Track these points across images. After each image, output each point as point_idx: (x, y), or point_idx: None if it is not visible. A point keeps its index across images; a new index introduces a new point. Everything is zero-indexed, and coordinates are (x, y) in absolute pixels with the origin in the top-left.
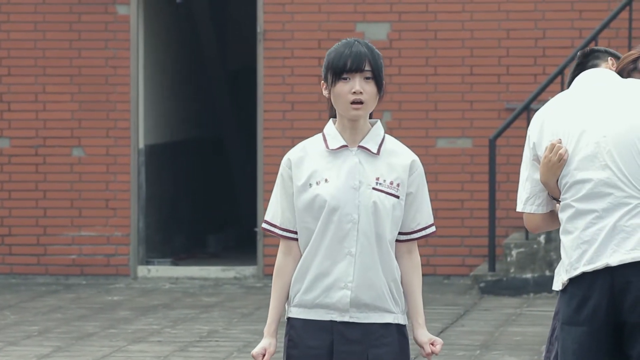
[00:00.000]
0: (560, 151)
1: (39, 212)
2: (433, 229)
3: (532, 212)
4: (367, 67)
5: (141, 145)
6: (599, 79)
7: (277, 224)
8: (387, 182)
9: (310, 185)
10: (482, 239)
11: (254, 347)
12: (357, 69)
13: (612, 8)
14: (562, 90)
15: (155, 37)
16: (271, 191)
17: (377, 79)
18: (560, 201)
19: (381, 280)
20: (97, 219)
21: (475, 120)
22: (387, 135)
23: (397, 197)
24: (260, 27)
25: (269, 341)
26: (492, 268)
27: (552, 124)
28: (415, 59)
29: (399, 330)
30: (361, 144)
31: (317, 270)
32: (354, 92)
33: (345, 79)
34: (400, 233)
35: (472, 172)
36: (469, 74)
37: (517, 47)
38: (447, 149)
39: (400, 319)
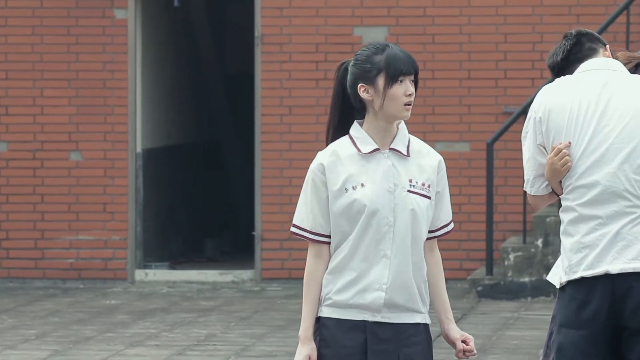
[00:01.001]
0: (565, 157)
1: (36, 216)
2: (452, 225)
3: (533, 194)
4: (413, 71)
5: (139, 149)
6: (612, 77)
7: (308, 229)
8: (419, 183)
9: (346, 190)
10: (479, 243)
11: (252, 350)
12: (410, 72)
13: (609, 12)
14: None
15: (152, 41)
16: (269, 195)
17: (416, 82)
18: (561, 198)
19: (413, 282)
20: (94, 222)
21: (473, 124)
22: (410, 135)
23: (429, 197)
24: (258, 31)
25: (310, 347)
26: (489, 272)
27: (561, 116)
28: None
29: (426, 330)
30: (392, 146)
31: (353, 272)
32: (409, 95)
33: (401, 81)
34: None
35: (470, 176)
36: (466, 78)
37: (515, 51)
38: (445, 152)
39: (427, 319)
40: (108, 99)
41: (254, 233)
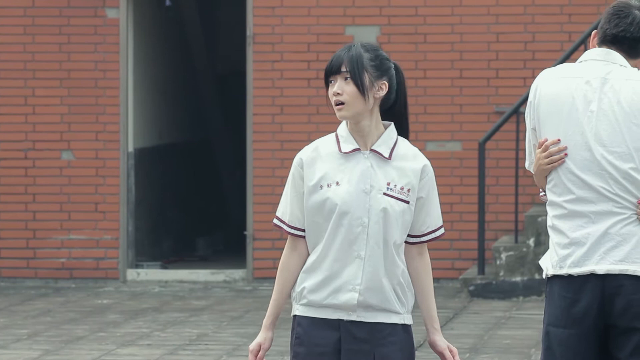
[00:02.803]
0: (552, 157)
1: (28, 216)
2: (442, 231)
3: (533, 172)
4: (343, 69)
5: (130, 148)
6: (612, 72)
7: (286, 221)
8: (398, 187)
9: (321, 187)
10: (471, 242)
11: (244, 350)
12: (336, 71)
13: (601, 11)
14: None
15: (144, 41)
16: (260, 194)
17: (354, 78)
18: (546, 190)
19: (387, 284)
20: (86, 222)
21: (465, 123)
22: (400, 139)
23: (407, 202)
24: (250, 30)
25: (264, 336)
26: (481, 271)
27: (552, 107)
28: (405, 62)
29: (405, 330)
30: (373, 147)
31: (327, 272)
32: (334, 94)
33: (331, 82)
34: (410, 236)
35: (462, 175)
36: (458, 78)
37: (507, 50)
38: (437, 152)
39: (406, 319)
40: (100, 99)
41: (245, 232)
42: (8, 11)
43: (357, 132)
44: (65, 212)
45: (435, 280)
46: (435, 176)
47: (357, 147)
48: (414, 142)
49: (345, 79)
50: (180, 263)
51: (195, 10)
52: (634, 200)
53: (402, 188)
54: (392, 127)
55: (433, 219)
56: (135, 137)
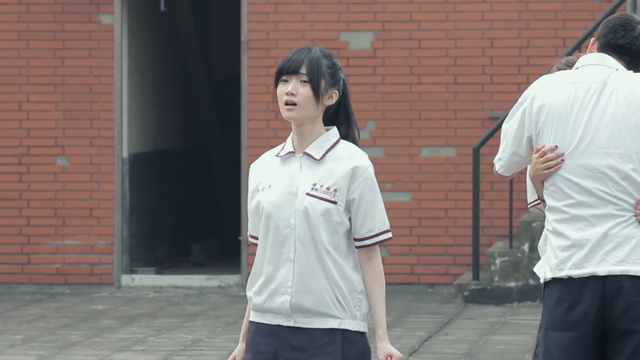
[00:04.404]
0: (549, 163)
1: (22, 221)
2: (388, 235)
3: (498, 172)
4: (302, 70)
5: (125, 154)
6: (609, 76)
7: (249, 231)
8: (324, 187)
9: (257, 191)
10: (466, 248)
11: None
12: (293, 71)
13: (595, 17)
14: None
15: (139, 46)
16: None
17: (312, 82)
18: (545, 196)
19: (322, 286)
20: (81, 227)
21: (459, 129)
22: (343, 142)
23: (334, 202)
24: (245, 36)
25: (238, 347)
26: (476, 277)
27: (551, 113)
28: (399, 67)
29: (345, 338)
30: (306, 150)
31: (264, 275)
32: (287, 93)
33: (285, 81)
34: (354, 239)
35: (456, 180)
36: (452, 83)
37: (501, 56)
38: (431, 157)
39: (347, 324)
40: (94, 104)
41: (240, 238)
42: (2, 17)
43: (298, 135)
44: (60, 217)
45: (430, 285)
46: (430, 182)
47: (292, 150)
48: (408, 148)
49: (302, 81)
50: (175, 268)
51: (190, 16)
52: (633, 202)
53: (328, 188)
54: (332, 131)
55: (375, 222)
56: (130, 143)
